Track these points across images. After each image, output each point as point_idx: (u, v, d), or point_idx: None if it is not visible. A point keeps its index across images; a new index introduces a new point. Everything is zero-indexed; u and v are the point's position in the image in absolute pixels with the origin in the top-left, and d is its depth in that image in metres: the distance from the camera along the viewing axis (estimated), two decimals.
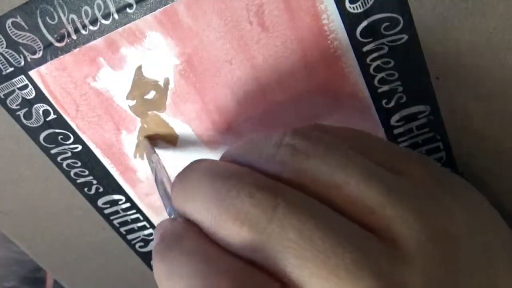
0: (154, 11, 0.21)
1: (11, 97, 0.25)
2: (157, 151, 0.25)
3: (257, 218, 0.14)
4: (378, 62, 0.21)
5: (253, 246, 0.14)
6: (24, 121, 0.26)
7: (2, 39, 0.23)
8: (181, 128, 0.25)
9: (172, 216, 0.18)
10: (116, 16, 0.22)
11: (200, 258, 0.15)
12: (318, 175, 0.15)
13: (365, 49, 0.21)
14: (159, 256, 0.16)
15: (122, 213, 0.30)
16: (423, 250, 0.14)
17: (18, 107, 0.25)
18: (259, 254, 0.14)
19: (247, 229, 0.14)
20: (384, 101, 0.22)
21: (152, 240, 0.31)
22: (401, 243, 0.14)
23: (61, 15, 0.22)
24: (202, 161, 0.18)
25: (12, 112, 0.26)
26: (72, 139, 0.26)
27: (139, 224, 0.30)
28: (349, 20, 0.20)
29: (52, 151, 0.27)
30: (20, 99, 0.25)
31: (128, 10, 0.21)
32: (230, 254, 0.15)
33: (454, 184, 0.19)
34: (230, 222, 0.14)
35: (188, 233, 0.16)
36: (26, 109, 0.25)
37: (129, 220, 0.30)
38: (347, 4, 0.20)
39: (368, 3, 0.20)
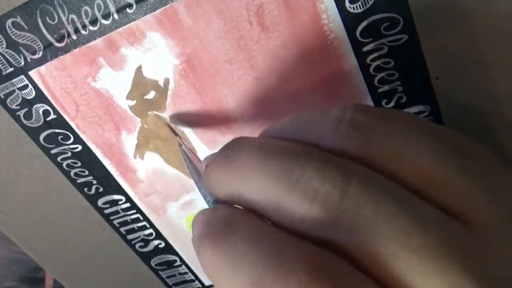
0: (154, 11, 0.21)
1: (11, 97, 0.25)
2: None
3: (330, 194, 0.13)
4: (378, 62, 0.21)
5: (326, 223, 0.13)
6: (24, 121, 0.26)
7: (2, 39, 0.23)
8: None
9: (209, 202, 0.17)
10: (116, 16, 0.22)
11: (267, 243, 0.13)
12: (387, 151, 0.14)
13: (365, 49, 0.21)
14: (212, 246, 0.14)
15: (122, 213, 0.30)
16: (500, 230, 0.13)
17: (18, 107, 0.25)
18: (332, 232, 0.13)
19: (319, 205, 0.13)
20: (384, 101, 0.22)
21: (152, 240, 0.31)
22: (478, 223, 0.13)
23: (61, 15, 0.22)
24: (248, 138, 0.16)
25: (12, 112, 0.26)
26: (72, 139, 0.26)
27: (139, 224, 0.30)
28: (349, 20, 0.20)
29: (52, 151, 0.27)
30: (20, 99, 0.25)
31: (128, 10, 0.21)
32: (298, 237, 0.13)
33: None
34: (299, 199, 0.13)
35: (242, 216, 0.14)
36: (26, 109, 0.25)
37: (129, 220, 0.30)
38: (347, 4, 0.20)
39: (368, 3, 0.20)
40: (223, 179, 0.16)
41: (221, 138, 0.25)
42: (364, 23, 0.20)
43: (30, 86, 0.24)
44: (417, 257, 0.12)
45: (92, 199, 0.29)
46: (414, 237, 0.12)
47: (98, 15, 0.22)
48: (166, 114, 0.25)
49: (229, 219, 0.14)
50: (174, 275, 0.33)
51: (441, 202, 0.14)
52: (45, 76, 0.24)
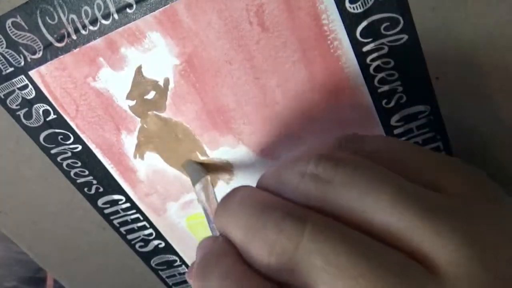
0: (154, 11, 0.21)
1: (11, 97, 0.25)
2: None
3: (284, 246, 0.14)
4: (378, 62, 0.21)
5: (282, 273, 0.15)
6: (24, 121, 0.26)
7: (2, 39, 0.23)
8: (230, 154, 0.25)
9: (214, 233, 0.19)
10: (116, 16, 0.22)
11: (233, 281, 0.15)
12: (345, 202, 0.15)
13: (365, 49, 0.21)
14: (199, 275, 0.17)
15: (122, 213, 0.30)
16: (463, 272, 0.13)
17: (18, 107, 0.25)
18: (290, 280, 0.14)
19: (275, 258, 0.15)
20: (384, 101, 0.22)
21: (152, 240, 0.31)
22: (438, 267, 0.13)
23: (61, 15, 0.22)
24: (241, 189, 0.18)
25: (12, 112, 0.26)
26: (72, 139, 0.26)
27: (139, 224, 0.30)
28: (349, 20, 0.20)
29: (52, 151, 0.27)
30: (20, 99, 0.25)
31: (128, 10, 0.21)
32: (263, 277, 0.15)
33: (503, 198, 0.17)
34: (260, 250, 0.15)
35: (226, 254, 0.16)
36: (26, 109, 0.25)
37: (129, 220, 0.30)
38: (347, 4, 0.20)
39: (368, 3, 0.20)
40: (219, 219, 0.18)
41: (221, 138, 0.25)
42: (364, 23, 0.20)
43: (30, 86, 0.24)
44: None
45: (92, 199, 0.29)
46: (365, 285, 0.13)
47: (98, 15, 0.22)
48: (166, 114, 0.25)
49: (218, 254, 0.17)
50: (174, 275, 0.33)
51: (400, 245, 0.14)
52: (45, 76, 0.24)
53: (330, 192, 0.15)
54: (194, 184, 0.25)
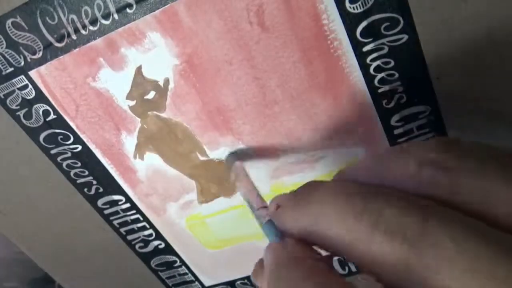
0: (154, 11, 0.21)
1: (11, 97, 0.25)
2: None
3: (407, 234, 0.13)
4: (378, 62, 0.21)
5: (405, 261, 0.13)
6: (24, 121, 0.26)
7: (2, 39, 0.23)
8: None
9: (274, 236, 0.18)
10: (116, 16, 0.22)
11: (316, 282, 0.14)
12: (474, 192, 0.14)
13: (365, 49, 0.21)
14: (274, 277, 0.16)
15: (122, 214, 0.30)
16: None
17: (18, 107, 0.25)
18: (412, 269, 0.13)
19: (400, 242, 0.13)
20: (384, 101, 0.22)
21: (152, 240, 0.31)
22: None
23: (61, 15, 0.22)
24: (323, 181, 0.17)
25: (12, 112, 0.26)
26: (72, 139, 0.26)
27: (139, 225, 0.30)
28: (349, 20, 0.20)
29: (52, 151, 0.27)
30: (20, 99, 0.25)
31: (128, 10, 0.21)
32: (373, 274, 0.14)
33: None
34: (379, 237, 0.14)
35: (305, 254, 0.16)
36: (26, 109, 0.25)
37: (129, 221, 0.30)
38: (347, 4, 0.20)
39: (368, 3, 0.20)
40: (297, 216, 0.17)
41: (221, 138, 0.25)
42: (364, 23, 0.20)
43: (30, 86, 0.24)
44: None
45: (92, 200, 0.29)
46: (499, 274, 0.12)
47: (98, 15, 0.22)
48: (166, 114, 0.25)
49: (295, 256, 0.16)
50: (174, 276, 0.33)
51: None
52: (45, 76, 0.24)
53: (457, 181, 0.14)
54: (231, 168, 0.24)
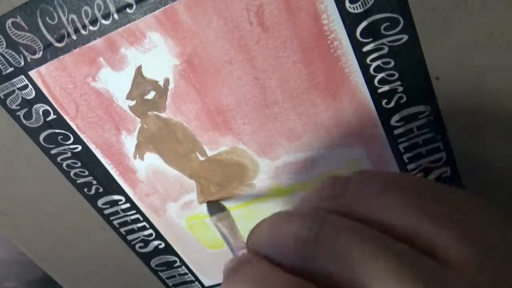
0: (154, 11, 0.21)
1: (11, 97, 0.25)
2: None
3: (307, 232, 0.16)
4: (378, 62, 0.21)
5: (306, 261, 0.15)
6: (24, 121, 0.26)
7: (2, 39, 0.23)
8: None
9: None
10: (116, 16, 0.22)
11: (257, 277, 0.16)
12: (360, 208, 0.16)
13: (365, 49, 0.21)
14: (226, 277, 0.17)
15: (122, 214, 0.30)
16: (463, 257, 0.14)
17: (18, 107, 0.25)
18: (309, 262, 0.15)
19: (300, 244, 0.15)
20: (384, 101, 0.22)
21: (152, 240, 0.31)
22: (442, 253, 0.14)
23: (61, 15, 0.22)
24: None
25: (12, 112, 0.26)
26: (72, 140, 0.26)
27: (139, 225, 0.30)
28: (349, 20, 0.20)
29: (52, 151, 0.27)
30: (20, 99, 0.25)
31: (128, 10, 0.21)
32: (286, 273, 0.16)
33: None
34: (286, 241, 0.16)
35: (253, 258, 0.17)
36: (26, 109, 0.25)
37: (129, 221, 0.30)
38: (347, 4, 0.20)
39: (368, 3, 0.20)
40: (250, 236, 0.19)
41: (221, 138, 0.25)
42: (364, 23, 0.20)
43: (30, 86, 0.24)
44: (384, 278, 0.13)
45: (92, 200, 0.29)
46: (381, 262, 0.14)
47: (98, 15, 0.22)
48: (166, 114, 0.25)
49: (243, 260, 0.18)
50: (174, 276, 0.33)
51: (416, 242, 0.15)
52: (45, 76, 0.24)
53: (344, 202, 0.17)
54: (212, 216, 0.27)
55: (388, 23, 0.20)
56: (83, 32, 0.22)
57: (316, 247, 0.15)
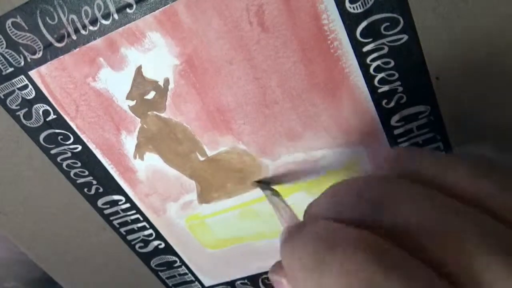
0: (154, 11, 0.21)
1: (11, 97, 0.25)
2: None
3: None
4: (378, 62, 0.21)
5: (368, 210, 0.14)
6: (24, 121, 0.26)
7: (2, 39, 0.23)
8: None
9: None
10: (116, 16, 0.22)
11: (324, 233, 0.15)
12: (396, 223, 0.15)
13: (365, 49, 0.21)
14: (287, 240, 0.16)
15: (122, 214, 0.30)
16: None
17: (18, 107, 0.25)
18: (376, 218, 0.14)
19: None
20: (384, 101, 0.22)
21: (152, 240, 0.31)
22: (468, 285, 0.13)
23: (61, 15, 0.22)
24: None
25: (12, 112, 0.26)
26: (72, 140, 0.26)
27: (139, 225, 0.30)
28: (349, 20, 0.20)
29: (52, 151, 0.27)
30: (20, 99, 0.25)
31: (128, 10, 0.21)
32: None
33: None
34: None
35: (313, 220, 0.16)
36: (26, 109, 0.25)
37: (129, 221, 0.30)
38: (347, 4, 0.20)
39: (368, 3, 0.20)
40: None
41: (221, 138, 0.25)
42: (364, 23, 0.20)
43: (30, 86, 0.24)
44: None
45: (92, 200, 0.29)
46: None
47: (98, 15, 0.22)
48: (166, 114, 0.25)
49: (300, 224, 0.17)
50: (174, 276, 0.33)
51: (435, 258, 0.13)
52: (45, 76, 0.24)
53: (380, 216, 0.15)
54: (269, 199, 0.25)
55: (388, 23, 0.20)
56: (83, 32, 0.22)
57: (383, 204, 0.14)
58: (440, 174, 0.15)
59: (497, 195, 0.14)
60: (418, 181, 0.15)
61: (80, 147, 0.27)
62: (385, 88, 0.22)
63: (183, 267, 0.32)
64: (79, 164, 0.27)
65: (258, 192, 0.27)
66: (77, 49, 0.23)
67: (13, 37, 0.23)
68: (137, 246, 0.31)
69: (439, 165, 0.16)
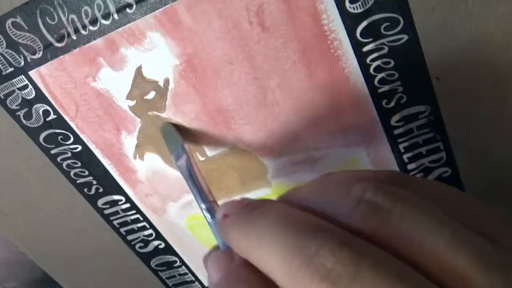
0: (154, 11, 0.21)
1: (11, 97, 0.25)
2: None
3: (338, 277, 0.13)
4: (378, 62, 0.21)
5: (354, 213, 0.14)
6: (24, 121, 0.26)
7: (2, 39, 0.23)
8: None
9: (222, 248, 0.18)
10: (116, 16, 0.22)
11: (286, 216, 0.15)
12: (403, 235, 0.14)
13: (365, 49, 0.21)
14: (240, 217, 0.16)
15: (122, 214, 0.30)
16: None
17: (18, 107, 0.25)
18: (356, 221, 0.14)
19: (329, 286, 0.13)
20: (384, 101, 0.22)
21: (152, 240, 0.31)
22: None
23: (61, 15, 0.22)
24: (273, 204, 0.17)
25: (12, 112, 0.26)
26: (72, 140, 0.26)
27: (139, 225, 0.30)
28: (349, 20, 0.20)
29: (52, 151, 0.27)
30: (20, 99, 0.25)
31: (128, 10, 0.21)
32: None
33: None
34: (311, 276, 0.14)
35: (252, 281, 0.16)
36: (26, 109, 0.25)
37: (129, 221, 0.30)
38: (347, 4, 0.20)
39: (368, 3, 0.20)
40: (242, 239, 0.16)
41: (221, 139, 0.25)
42: (364, 23, 0.20)
43: (30, 86, 0.24)
44: None
45: (92, 200, 0.29)
46: None
47: (98, 15, 0.22)
48: (166, 114, 0.25)
49: (243, 279, 0.16)
50: (174, 276, 0.33)
51: None
52: (45, 76, 0.24)
53: (387, 222, 0.15)
54: (172, 153, 0.23)
55: (388, 23, 0.20)
56: (83, 32, 0.22)
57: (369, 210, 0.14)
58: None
59: None
60: None
61: (80, 147, 0.27)
62: (385, 88, 0.22)
63: (183, 267, 0.32)
64: (79, 164, 0.27)
65: (258, 192, 0.27)
66: (77, 49, 0.23)
67: (13, 37, 0.23)
68: (137, 246, 0.31)
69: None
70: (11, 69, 0.24)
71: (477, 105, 0.22)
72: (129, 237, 0.31)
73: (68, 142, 0.26)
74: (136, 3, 0.21)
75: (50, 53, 0.23)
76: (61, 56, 0.23)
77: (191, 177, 0.22)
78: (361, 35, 0.21)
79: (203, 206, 0.20)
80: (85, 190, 0.29)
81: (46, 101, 0.25)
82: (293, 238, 0.15)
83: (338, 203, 0.16)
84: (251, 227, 0.16)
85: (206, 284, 0.33)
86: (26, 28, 0.22)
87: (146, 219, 0.30)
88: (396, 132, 0.23)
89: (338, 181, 0.17)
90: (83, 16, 0.22)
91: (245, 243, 0.16)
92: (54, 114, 0.25)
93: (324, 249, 0.14)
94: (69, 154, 0.27)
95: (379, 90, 0.22)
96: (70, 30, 0.22)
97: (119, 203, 0.29)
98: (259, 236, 0.16)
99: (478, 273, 0.13)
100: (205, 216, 0.20)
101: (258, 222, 0.16)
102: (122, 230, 0.30)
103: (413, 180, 0.17)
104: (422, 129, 0.23)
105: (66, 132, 0.26)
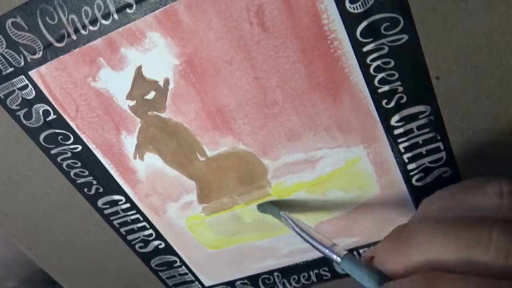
0: (154, 11, 0.21)
1: (11, 97, 0.25)
2: None
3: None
4: (378, 62, 0.21)
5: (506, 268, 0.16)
6: (24, 121, 0.26)
7: (2, 39, 0.23)
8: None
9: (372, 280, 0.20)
10: (116, 16, 0.22)
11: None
12: None
13: (365, 49, 0.21)
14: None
15: (122, 214, 0.30)
16: None
17: (18, 107, 0.25)
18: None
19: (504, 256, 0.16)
20: (384, 101, 0.22)
21: (152, 240, 0.31)
22: None
23: (61, 15, 0.22)
24: (412, 224, 0.19)
25: (12, 112, 0.26)
26: (72, 140, 0.26)
27: (139, 225, 0.30)
28: (349, 20, 0.20)
29: (52, 151, 0.27)
30: (20, 99, 0.25)
31: (128, 10, 0.21)
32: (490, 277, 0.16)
33: None
34: (495, 256, 0.16)
35: (442, 275, 0.17)
36: (26, 109, 0.25)
37: (129, 221, 0.30)
38: (347, 4, 0.20)
39: (368, 3, 0.20)
40: (402, 257, 0.19)
41: (221, 138, 0.25)
42: (364, 23, 0.20)
43: (30, 86, 0.24)
44: None
45: (92, 200, 0.29)
46: None
47: (98, 15, 0.22)
48: (166, 114, 0.25)
49: (431, 279, 0.17)
50: (174, 276, 0.33)
51: None
52: (45, 76, 0.24)
53: None
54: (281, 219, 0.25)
55: (388, 23, 0.20)
56: (83, 32, 0.22)
57: None
58: None
59: None
60: None
61: (80, 147, 0.27)
62: (385, 88, 0.22)
63: (183, 267, 0.32)
64: (79, 164, 0.27)
65: (258, 192, 0.27)
66: (77, 49, 0.23)
67: (13, 37, 0.23)
68: (137, 246, 0.31)
69: None
70: (11, 69, 0.24)
71: (477, 105, 0.22)
72: (129, 237, 0.31)
73: (68, 142, 0.26)
74: (136, 3, 0.21)
75: (50, 53, 0.23)
76: (61, 56, 0.23)
77: (303, 231, 0.24)
78: (361, 35, 0.21)
79: (327, 251, 0.22)
80: (85, 190, 0.29)
81: (46, 101, 0.25)
82: (463, 232, 0.17)
83: (478, 203, 0.18)
84: (408, 244, 0.18)
85: (205, 284, 0.33)
86: (26, 28, 0.22)
87: (146, 219, 0.30)
88: (396, 132, 0.23)
89: (458, 189, 0.19)
90: (83, 16, 0.22)
91: (404, 257, 0.19)
92: (54, 114, 0.25)
93: (495, 234, 0.16)
94: (69, 154, 0.27)
95: (379, 90, 0.22)
96: (70, 30, 0.22)
97: (119, 203, 0.29)
98: (425, 244, 0.18)
99: None
100: (333, 260, 0.22)
101: (414, 237, 0.18)
102: (122, 230, 0.30)
103: None
104: (422, 129, 0.23)
105: (66, 132, 0.26)
